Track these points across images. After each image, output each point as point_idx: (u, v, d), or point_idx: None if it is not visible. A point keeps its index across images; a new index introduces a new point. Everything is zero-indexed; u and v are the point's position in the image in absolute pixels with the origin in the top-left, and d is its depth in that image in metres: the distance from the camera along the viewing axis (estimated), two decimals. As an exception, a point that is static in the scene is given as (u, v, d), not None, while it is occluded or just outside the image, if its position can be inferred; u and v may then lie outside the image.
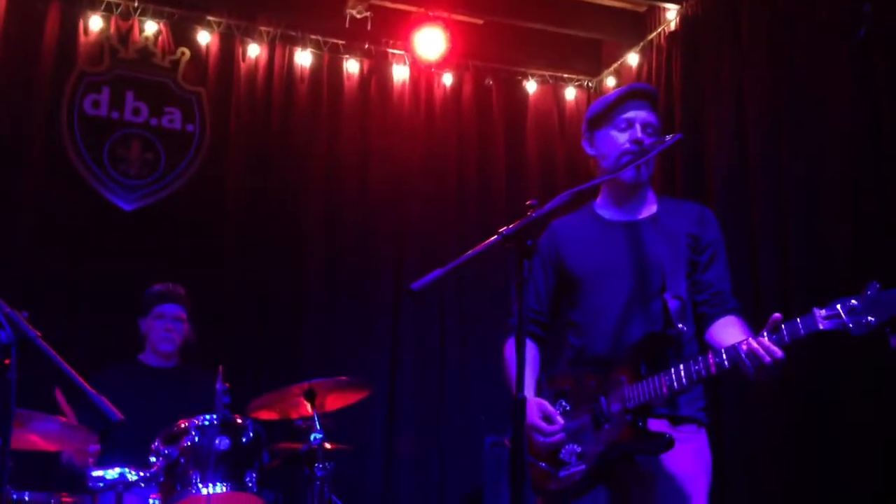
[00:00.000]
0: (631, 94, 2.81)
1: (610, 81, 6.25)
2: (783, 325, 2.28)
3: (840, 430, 3.95)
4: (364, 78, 6.02)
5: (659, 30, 5.75)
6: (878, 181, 3.92)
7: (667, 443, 2.45)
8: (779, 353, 2.26)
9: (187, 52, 5.64)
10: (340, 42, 5.94)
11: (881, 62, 3.95)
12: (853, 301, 2.19)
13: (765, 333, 2.30)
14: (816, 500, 4.02)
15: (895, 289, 2.16)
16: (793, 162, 4.41)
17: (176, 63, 5.63)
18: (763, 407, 4.36)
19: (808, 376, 3.93)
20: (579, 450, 2.59)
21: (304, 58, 5.87)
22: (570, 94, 6.44)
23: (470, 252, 2.30)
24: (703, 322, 2.68)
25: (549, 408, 2.65)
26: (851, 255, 3.98)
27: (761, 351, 2.27)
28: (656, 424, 2.55)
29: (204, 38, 5.66)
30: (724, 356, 2.35)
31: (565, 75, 6.45)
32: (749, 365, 2.29)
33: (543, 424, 2.62)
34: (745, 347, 2.30)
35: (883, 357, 3.59)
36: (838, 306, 2.21)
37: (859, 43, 4.03)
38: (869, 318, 2.16)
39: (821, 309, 2.24)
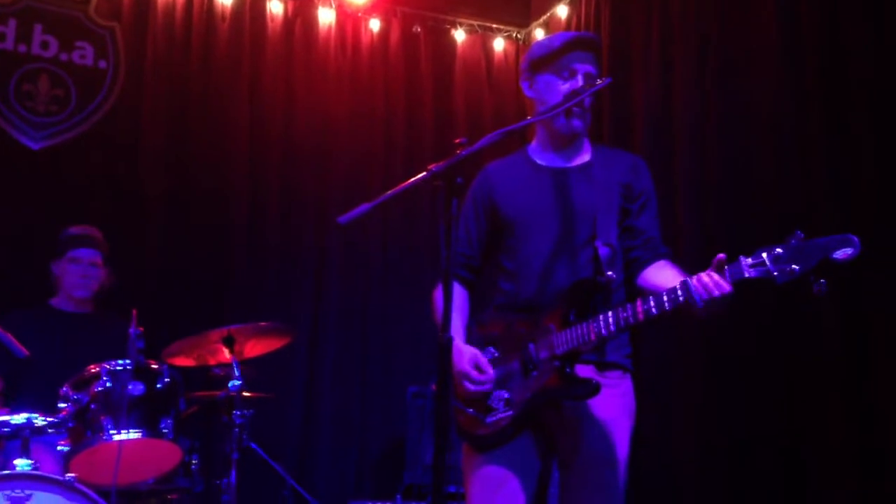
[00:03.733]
0: (578, 44, 2.74)
1: (539, 33, 6.21)
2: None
3: (747, 376, 4.07)
4: (288, 20, 5.84)
5: (588, -18, 5.72)
6: (799, 134, 3.98)
7: (593, 388, 2.45)
8: (728, 287, 2.26)
9: (100, -15, 5.38)
10: (264, -19, 5.75)
11: (807, 16, 3.99)
12: (778, 249, 2.21)
13: (710, 271, 2.30)
14: (726, 442, 4.15)
15: (818, 238, 2.19)
16: (717, 114, 4.47)
17: (89, -5, 5.36)
18: (676, 352, 4.47)
19: (722, 326, 4.04)
20: (507, 396, 2.58)
21: (225, -4, 5.66)
22: (499, 44, 6.38)
23: (398, 187, 2.23)
24: (634, 266, 2.68)
25: (481, 357, 2.62)
26: (771, 206, 4.06)
27: (711, 284, 2.27)
28: (583, 370, 2.55)
29: (118, -30, 5.41)
30: (653, 302, 2.36)
31: (494, 25, 6.38)
32: (699, 298, 2.27)
33: (475, 373, 2.58)
34: (695, 281, 2.29)
35: (792, 306, 3.73)
36: (764, 255, 2.23)
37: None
38: (793, 266, 2.19)
39: (747, 257, 2.26)
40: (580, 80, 2.68)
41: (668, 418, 4.45)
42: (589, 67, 2.70)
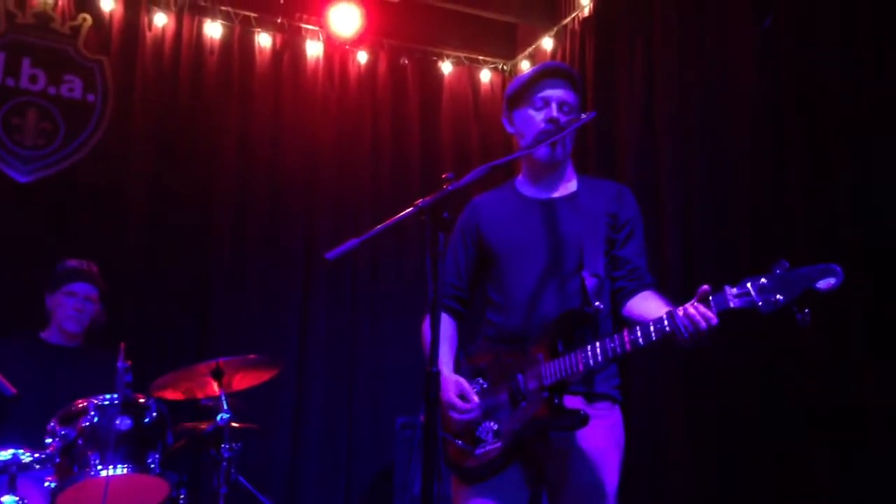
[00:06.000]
0: (547, 73, 2.80)
1: (524, 65, 6.28)
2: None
3: (735, 404, 4.08)
4: (277, 53, 5.89)
5: (573, 15, 5.80)
6: (777, 165, 4.04)
7: (582, 419, 2.46)
8: (714, 319, 2.26)
9: (89, 19, 5.42)
10: (252, 15, 5.81)
11: (784, 47, 4.06)
12: (763, 280, 2.21)
13: (695, 303, 2.30)
14: (717, 471, 4.15)
15: (803, 268, 2.19)
16: (699, 145, 4.53)
17: (77, 29, 5.39)
18: (666, 383, 4.48)
19: (709, 355, 4.07)
20: (496, 427, 2.58)
21: (213, 29, 5.70)
22: (485, 76, 6.45)
23: (386, 222, 2.25)
24: (620, 296, 2.69)
25: (466, 385, 2.63)
26: (756, 233, 4.10)
27: (698, 317, 2.27)
28: (572, 401, 2.56)
29: (107, 4, 5.45)
30: (639, 332, 2.36)
31: (480, 58, 6.45)
32: (684, 330, 2.28)
33: (459, 402, 2.59)
34: (681, 313, 2.29)
35: (776, 336, 3.76)
36: (748, 284, 2.23)
37: (764, 31, 4.16)
38: (778, 296, 2.19)
39: (732, 287, 2.26)
40: (553, 109, 2.72)
41: (657, 446, 4.46)
42: (562, 94, 2.74)
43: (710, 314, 2.26)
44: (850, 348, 3.57)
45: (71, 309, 4.12)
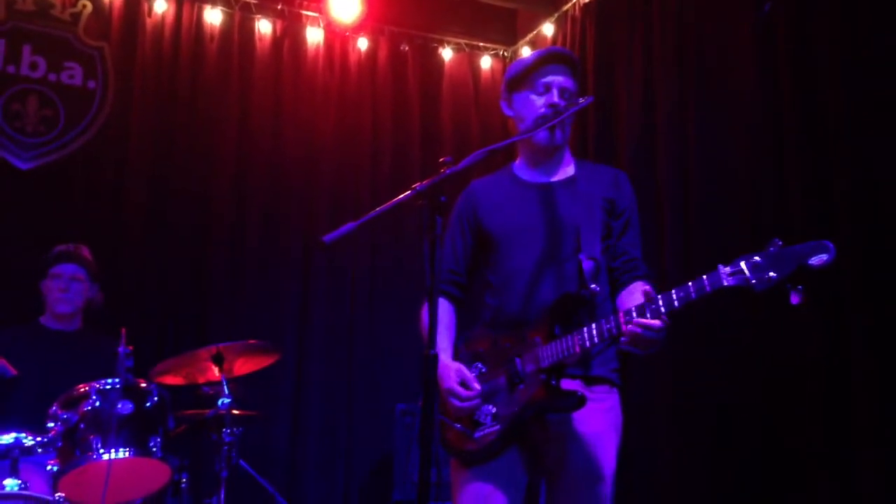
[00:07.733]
0: (550, 58, 2.80)
1: (525, 51, 6.27)
2: (690, 283, 2.29)
3: (733, 392, 4.09)
4: (277, 39, 5.89)
5: (573, 1, 5.79)
6: (776, 149, 4.03)
7: (579, 400, 2.47)
8: (657, 323, 2.32)
9: (89, 5, 5.43)
10: (252, 1, 5.81)
11: (783, 37, 4.06)
12: (756, 257, 2.22)
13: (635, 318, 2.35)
14: (713, 458, 4.17)
15: (795, 245, 2.20)
16: (698, 131, 4.53)
17: (77, 16, 5.39)
18: (664, 368, 4.50)
19: (700, 341, 4.10)
20: (494, 410, 2.59)
21: (213, 16, 5.70)
22: (486, 62, 6.44)
23: (383, 206, 2.25)
24: (615, 288, 2.71)
25: (467, 373, 2.64)
26: (750, 218, 4.10)
27: (639, 331, 2.32)
28: (570, 385, 2.57)
29: (107, -10, 5.45)
30: (634, 312, 2.37)
31: (481, 44, 6.44)
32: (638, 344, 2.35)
33: (461, 389, 2.61)
34: (629, 328, 2.34)
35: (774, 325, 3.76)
36: (742, 263, 2.24)
37: (763, 18, 4.15)
38: (771, 273, 2.19)
39: (725, 266, 2.27)
40: (555, 94, 2.73)
41: (655, 430, 4.47)
42: (563, 80, 2.75)
43: (648, 322, 2.31)
44: (849, 345, 3.57)
45: (57, 291, 4.16)
